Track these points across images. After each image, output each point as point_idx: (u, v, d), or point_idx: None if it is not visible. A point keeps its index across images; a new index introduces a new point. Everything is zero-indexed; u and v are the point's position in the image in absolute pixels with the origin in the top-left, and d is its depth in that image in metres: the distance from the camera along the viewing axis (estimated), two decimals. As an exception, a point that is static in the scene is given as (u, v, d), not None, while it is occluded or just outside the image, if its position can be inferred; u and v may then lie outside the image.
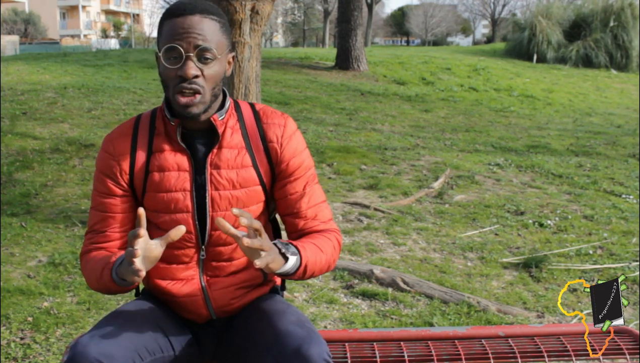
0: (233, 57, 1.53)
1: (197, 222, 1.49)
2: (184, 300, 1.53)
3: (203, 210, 1.49)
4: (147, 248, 1.30)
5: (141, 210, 1.28)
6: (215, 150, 1.48)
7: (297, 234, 1.54)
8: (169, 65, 1.40)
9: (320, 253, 1.47)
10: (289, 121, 1.55)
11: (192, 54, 1.39)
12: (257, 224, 1.27)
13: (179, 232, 1.31)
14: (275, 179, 1.53)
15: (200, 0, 1.45)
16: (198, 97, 1.41)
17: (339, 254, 1.56)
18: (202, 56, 1.40)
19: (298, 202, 1.53)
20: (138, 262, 1.27)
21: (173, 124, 1.48)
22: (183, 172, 1.48)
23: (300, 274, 1.42)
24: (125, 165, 1.50)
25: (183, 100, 1.40)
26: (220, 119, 1.49)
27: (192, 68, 1.39)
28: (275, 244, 1.35)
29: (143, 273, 1.28)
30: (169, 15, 1.42)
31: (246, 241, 1.25)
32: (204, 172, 1.48)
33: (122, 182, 1.50)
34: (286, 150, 1.52)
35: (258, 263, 1.26)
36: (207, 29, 1.41)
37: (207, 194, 1.48)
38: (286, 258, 1.37)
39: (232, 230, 1.27)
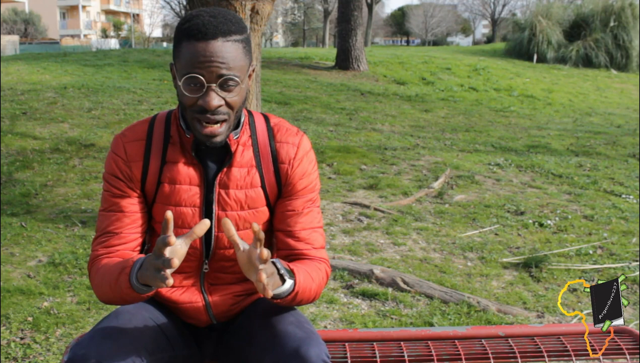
0: (254, 70, 1.45)
1: (203, 239, 1.46)
2: (185, 306, 1.53)
3: (210, 227, 1.46)
4: (175, 249, 1.26)
5: (169, 214, 1.21)
6: (225, 169, 1.44)
7: (286, 252, 1.49)
8: (189, 93, 1.34)
9: (311, 281, 1.42)
10: (303, 140, 1.50)
11: (214, 85, 1.32)
12: (267, 254, 1.22)
13: (203, 226, 1.24)
14: (280, 196, 1.50)
15: (221, 15, 1.35)
16: (223, 125, 1.36)
17: (325, 286, 1.51)
18: (225, 84, 1.34)
19: (293, 219, 1.47)
20: (169, 271, 1.20)
21: (188, 136, 1.43)
22: (194, 186, 1.44)
23: (290, 300, 1.37)
24: (138, 172, 1.46)
25: (206, 130, 1.35)
26: (235, 138, 1.44)
27: (215, 99, 1.32)
28: (274, 263, 1.32)
29: (171, 281, 1.20)
30: (189, 37, 1.33)
31: (264, 277, 1.19)
32: (212, 191, 1.45)
33: (134, 186, 1.46)
34: (296, 172, 1.47)
35: (267, 290, 1.21)
36: (230, 55, 1.33)
37: (213, 214, 1.45)
38: (283, 281, 1.34)
39: (236, 237, 1.26)
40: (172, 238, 1.19)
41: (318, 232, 1.50)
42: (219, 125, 1.36)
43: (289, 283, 1.34)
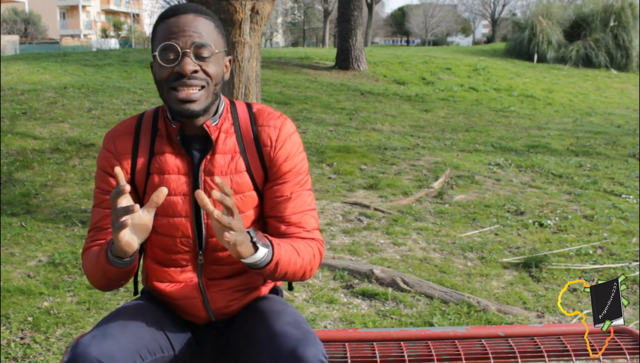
0: (230, 61, 1.51)
1: (195, 227, 1.48)
2: (183, 302, 1.53)
3: (200, 215, 1.48)
4: (137, 216, 1.29)
5: (117, 169, 1.26)
6: (208, 157, 1.46)
7: (277, 238, 1.48)
8: (166, 63, 1.38)
9: (297, 256, 1.42)
10: (285, 123, 1.51)
11: (188, 50, 1.37)
12: (231, 202, 1.24)
13: (161, 194, 1.27)
14: (267, 180, 1.51)
15: (192, 3, 1.45)
16: (197, 90, 1.38)
17: (319, 264, 1.51)
18: (199, 54, 1.38)
19: (283, 205, 1.48)
20: (124, 218, 1.25)
21: (174, 126, 1.46)
22: (182, 176, 1.47)
23: (271, 270, 1.37)
24: (127, 165, 1.49)
25: (181, 94, 1.38)
26: (213, 124, 1.47)
27: (190, 64, 1.37)
28: (248, 232, 1.32)
29: (125, 233, 1.26)
30: (162, 19, 1.42)
31: (216, 213, 1.22)
32: (197, 178, 1.47)
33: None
34: (279, 154, 1.48)
35: (227, 236, 1.22)
36: (202, 27, 1.40)
37: None
38: (256, 248, 1.32)
39: (209, 206, 1.24)
40: (127, 187, 1.23)
41: (309, 215, 1.50)
42: (196, 89, 1.38)
43: (262, 251, 1.32)
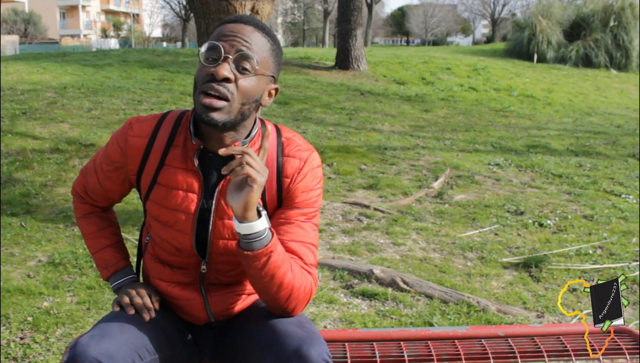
0: (276, 90, 1.45)
1: (196, 244, 1.46)
2: (183, 302, 1.53)
3: (205, 232, 1.45)
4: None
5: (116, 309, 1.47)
6: (228, 178, 1.41)
7: None
8: (206, 63, 1.34)
9: (289, 269, 1.36)
10: (311, 156, 1.47)
11: (230, 56, 1.32)
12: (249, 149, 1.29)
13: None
14: (279, 207, 1.47)
15: (246, 15, 1.40)
16: (222, 102, 1.32)
17: (307, 302, 1.43)
18: (241, 65, 1.33)
19: (283, 228, 1.42)
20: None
21: (194, 143, 1.42)
22: (191, 193, 1.43)
23: (263, 261, 1.31)
24: (134, 167, 1.49)
25: (206, 100, 1.31)
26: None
27: (226, 70, 1.31)
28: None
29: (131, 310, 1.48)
30: (223, 22, 1.38)
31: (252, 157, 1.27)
32: (212, 198, 1.43)
33: (125, 176, 1.53)
34: (298, 186, 1.44)
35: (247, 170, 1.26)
36: (256, 41, 1.35)
37: (210, 221, 1.44)
38: (259, 216, 1.30)
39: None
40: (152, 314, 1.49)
41: (309, 249, 1.43)
42: (219, 99, 1.33)
43: (264, 223, 1.30)
